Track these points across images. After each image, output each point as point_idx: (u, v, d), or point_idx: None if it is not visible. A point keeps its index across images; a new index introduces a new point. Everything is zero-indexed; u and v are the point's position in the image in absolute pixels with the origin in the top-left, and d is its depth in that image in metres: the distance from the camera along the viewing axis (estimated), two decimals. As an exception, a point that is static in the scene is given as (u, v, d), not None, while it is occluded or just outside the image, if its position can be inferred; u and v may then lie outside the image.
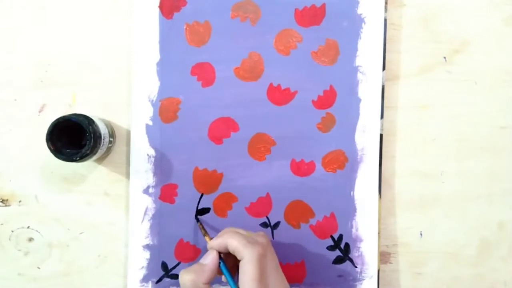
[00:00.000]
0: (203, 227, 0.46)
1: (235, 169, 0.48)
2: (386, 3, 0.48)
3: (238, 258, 0.40)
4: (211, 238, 0.43)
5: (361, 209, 0.48)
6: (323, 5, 0.48)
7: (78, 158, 0.42)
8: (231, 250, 0.41)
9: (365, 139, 0.48)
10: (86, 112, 0.45)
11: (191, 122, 0.48)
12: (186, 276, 0.40)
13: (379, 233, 0.48)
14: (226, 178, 0.48)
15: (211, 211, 0.48)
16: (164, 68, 0.47)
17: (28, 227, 0.48)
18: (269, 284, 0.40)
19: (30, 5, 0.48)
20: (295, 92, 0.48)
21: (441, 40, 0.49)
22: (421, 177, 0.50)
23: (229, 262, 0.42)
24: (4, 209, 0.48)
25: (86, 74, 0.48)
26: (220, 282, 0.48)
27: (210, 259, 0.42)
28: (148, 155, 0.48)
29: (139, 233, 0.48)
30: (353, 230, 0.48)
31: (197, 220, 0.48)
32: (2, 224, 0.48)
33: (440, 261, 0.50)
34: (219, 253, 0.42)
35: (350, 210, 0.48)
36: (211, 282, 0.41)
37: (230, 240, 0.41)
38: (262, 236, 0.43)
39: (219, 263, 0.41)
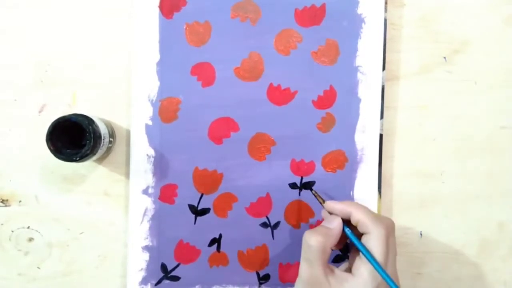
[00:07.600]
0: (318, 195, 0.45)
1: (235, 169, 0.48)
2: (386, 3, 0.48)
3: (361, 231, 0.39)
4: None
5: (361, 209, 0.48)
6: (323, 5, 0.48)
7: (78, 158, 0.42)
8: (354, 221, 0.39)
9: (365, 139, 0.48)
10: (86, 112, 0.45)
11: (191, 122, 0.48)
12: (314, 237, 0.39)
13: (379, 233, 0.48)
14: (226, 178, 0.48)
15: (211, 211, 0.48)
16: (164, 68, 0.47)
17: (28, 227, 0.48)
18: (387, 268, 0.38)
19: (30, 5, 0.48)
20: (295, 92, 0.48)
21: (441, 40, 0.49)
22: (421, 177, 0.50)
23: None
24: (4, 209, 0.48)
25: (86, 74, 0.48)
26: (220, 284, 0.48)
27: (336, 224, 0.40)
28: (147, 155, 0.48)
29: (138, 234, 0.48)
30: (353, 230, 0.48)
31: (311, 190, 0.47)
32: (2, 224, 0.48)
33: (440, 261, 0.50)
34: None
35: (350, 210, 0.48)
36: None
37: (356, 210, 0.39)
38: (388, 218, 0.41)
39: (343, 229, 0.40)
